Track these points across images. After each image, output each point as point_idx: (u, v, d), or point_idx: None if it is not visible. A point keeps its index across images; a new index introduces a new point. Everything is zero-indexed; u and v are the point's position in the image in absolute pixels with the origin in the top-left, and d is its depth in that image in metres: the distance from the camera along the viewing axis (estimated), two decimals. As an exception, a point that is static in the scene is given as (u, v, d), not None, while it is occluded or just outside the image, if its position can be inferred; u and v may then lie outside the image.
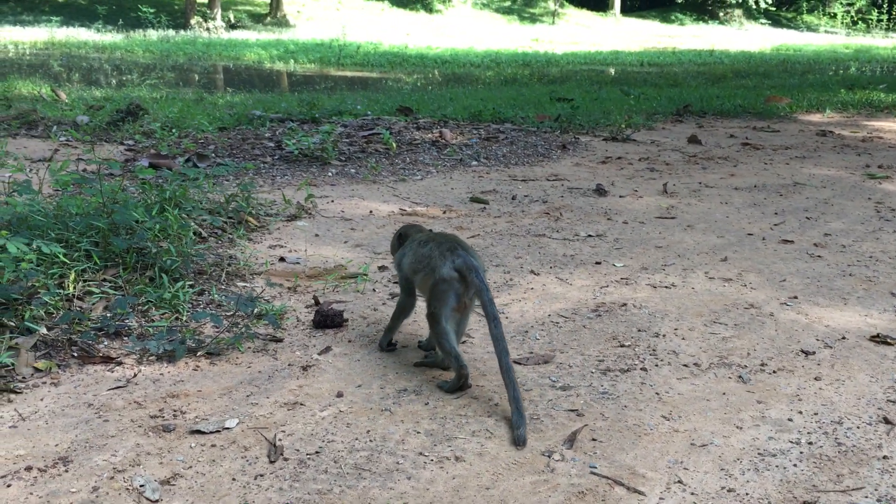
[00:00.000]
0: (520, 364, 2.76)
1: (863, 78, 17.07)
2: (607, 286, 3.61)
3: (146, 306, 3.10)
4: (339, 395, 2.51)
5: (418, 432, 2.30)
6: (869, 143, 8.12)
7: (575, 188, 5.66)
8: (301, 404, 2.45)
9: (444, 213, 4.87)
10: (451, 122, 8.24)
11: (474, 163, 6.48)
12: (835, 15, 44.79)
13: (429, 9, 37.47)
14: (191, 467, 2.10)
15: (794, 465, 2.16)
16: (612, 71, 21.85)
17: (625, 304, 3.36)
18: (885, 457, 2.20)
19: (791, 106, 10.65)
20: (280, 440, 2.24)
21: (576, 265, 3.92)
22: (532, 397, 2.52)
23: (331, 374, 2.67)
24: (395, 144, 6.65)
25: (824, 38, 38.54)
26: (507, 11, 39.72)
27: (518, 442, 2.23)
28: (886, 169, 6.62)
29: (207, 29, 27.41)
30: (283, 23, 30.53)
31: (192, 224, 3.93)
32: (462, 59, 21.46)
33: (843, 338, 3.05)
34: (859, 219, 4.94)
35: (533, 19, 39.29)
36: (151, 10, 23.32)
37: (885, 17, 41.80)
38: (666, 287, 3.62)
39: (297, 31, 28.99)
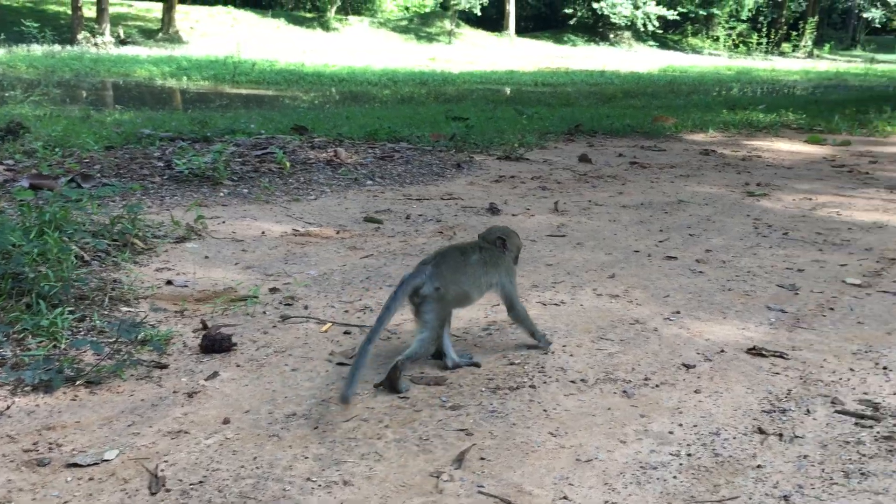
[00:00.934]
0: (413, 383, 2.77)
1: (744, 99, 17.85)
2: (499, 304, 3.65)
3: (22, 334, 2.97)
4: (226, 421, 2.46)
5: (307, 457, 2.28)
6: (748, 161, 8.49)
7: (469, 207, 5.72)
8: (185, 432, 2.39)
9: (338, 233, 4.85)
10: (347, 142, 8.21)
11: (369, 182, 6.48)
12: (717, 38, 46.76)
13: (326, 27, 37.36)
14: (66, 502, 2.02)
15: (674, 477, 2.23)
16: (508, 90, 22.23)
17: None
18: (758, 466, 2.30)
19: (677, 126, 11.04)
20: (162, 471, 2.17)
21: (468, 284, 3.95)
22: (422, 418, 2.53)
23: (218, 400, 2.61)
24: (288, 164, 6.58)
25: (708, 59, 40.17)
26: (404, 31, 39.95)
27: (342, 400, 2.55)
28: (764, 186, 6.93)
29: (95, 44, 26.57)
30: (175, 39, 29.88)
31: (74, 247, 3.78)
32: (359, 78, 21.45)
33: (722, 351, 3.17)
34: (738, 235, 5.16)
35: (430, 38, 39.63)
36: (35, 25, 22.47)
37: (763, 40, 43.87)
38: (556, 304, 3.69)
39: (190, 48, 28.41)
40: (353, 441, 2.38)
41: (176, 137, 7.60)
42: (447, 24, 41.41)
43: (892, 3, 51.01)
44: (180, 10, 32.42)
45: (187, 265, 4.04)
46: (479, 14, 43.61)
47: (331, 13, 38.50)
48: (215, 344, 2.97)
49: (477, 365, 2.94)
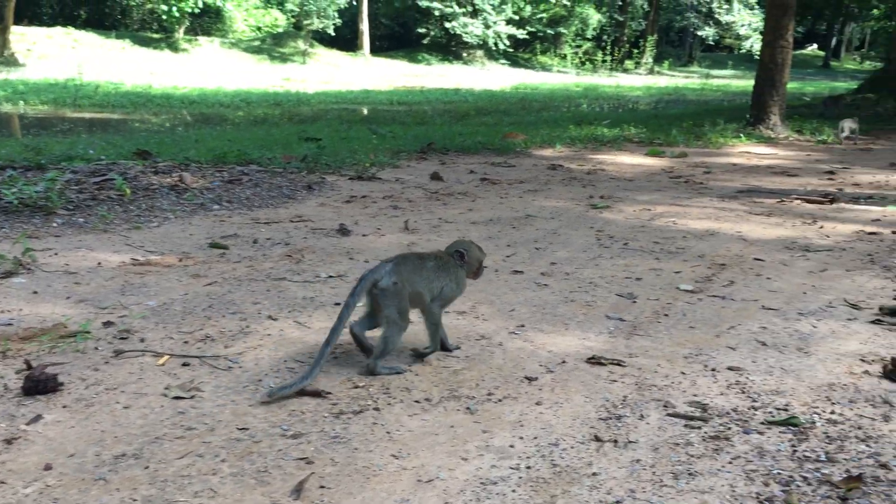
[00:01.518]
0: (253, 418, 2.69)
1: (591, 114, 18.53)
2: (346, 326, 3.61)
3: None
4: (48, 467, 2.31)
5: (135, 500, 2.17)
6: (593, 175, 8.80)
7: (319, 229, 5.66)
8: (1, 483, 2.23)
9: (181, 260, 4.69)
10: (194, 165, 7.98)
11: (216, 207, 6.31)
12: (565, 56, 48.44)
13: (174, 48, 36.30)
14: None
15: (513, 491, 2.25)
16: (364, 110, 22.23)
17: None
18: (594, 473, 2.35)
19: (526, 142, 11.33)
20: (-27, 527, 2.02)
21: (315, 307, 3.90)
22: (261, 449, 2.46)
23: (40, 445, 2.45)
24: (129, 191, 6.33)
25: (558, 77, 41.54)
26: (256, 51, 39.32)
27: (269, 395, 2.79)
28: (607, 199, 7.19)
29: (-80, 68, 24.86)
30: (11, 62, 28.31)
31: None
32: (210, 100, 20.96)
33: (564, 362, 3.25)
34: (582, 247, 5.32)
35: (284, 59, 39.17)
36: None
37: (608, 58, 45.75)
38: (403, 324, 3.68)
39: (27, 71, 26.99)
40: (187, 479, 2.28)
41: (6, 166, 7.17)
42: (301, 45, 41.07)
43: (723, 23, 54.35)
44: (16, 32, 30.75)
45: (13, 301, 3.80)
46: (333, 34, 43.56)
47: (179, 34, 37.48)
48: (39, 385, 2.79)
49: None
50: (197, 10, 36.58)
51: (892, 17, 23.29)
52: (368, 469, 2.36)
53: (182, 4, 35.43)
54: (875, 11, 33.06)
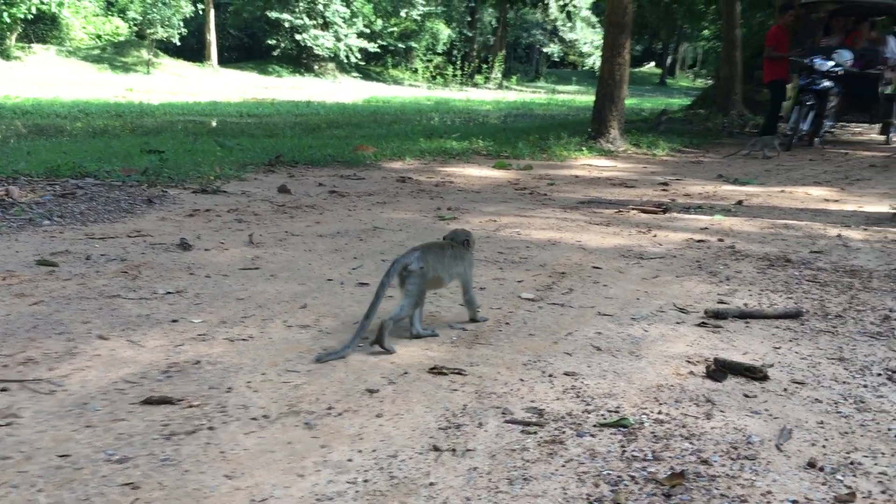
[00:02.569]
0: (75, 444, 2.55)
1: (441, 127, 18.71)
2: (182, 344, 3.49)
3: None
4: None
5: (-61, 539, 2.01)
6: (441, 187, 8.90)
7: (158, 244, 5.45)
8: None
9: (4, 279, 4.40)
10: (23, 179, 7.54)
11: (46, 222, 5.97)
12: (417, 70, 48.96)
13: (6, 55, 34.30)
14: None
15: (350, 505, 2.23)
16: (213, 122, 21.67)
17: (199, 362, 3.27)
18: (431, 483, 2.36)
19: (376, 154, 11.35)
20: None
21: (151, 325, 3.75)
22: (83, 477, 2.33)
23: None
24: (-52, 205, 5.90)
25: (409, 90, 41.91)
26: (97, 60, 37.71)
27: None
28: (454, 210, 7.29)
29: None
30: None
31: None
32: (46, 110, 19.89)
33: (406, 373, 3.25)
34: (428, 258, 5.35)
35: (126, 69, 37.73)
36: None
37: (458, 72, 46.59)
38: (243, 339, 3.59)
39: None
40: (0, 512, 2.14)
41: None
42: (145, 54, 39.69)
43: (567, 40, 56.42)
44: None
45: None
46: (179, 44, 42.31)
47: (11, 41, 35.42)
48: None
49: (435, 335, 3.74)
50: (30, 17, 34.70)
51: (720, 38, 24.80)
52: (199, 491, 2.28)
53: (14, 10, 33.50)
54: (705, 32, 35.28)
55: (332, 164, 10.33)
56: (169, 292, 4.28)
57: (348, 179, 9.12)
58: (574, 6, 46.10)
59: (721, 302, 4.45)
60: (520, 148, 12.65)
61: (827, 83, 14.83)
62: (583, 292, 4.59)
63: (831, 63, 14.62)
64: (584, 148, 13.13)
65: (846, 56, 15.13)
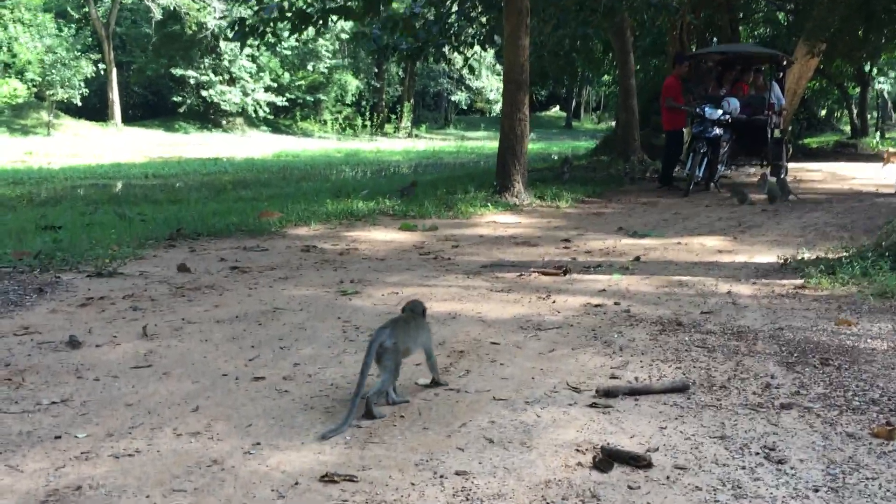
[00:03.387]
0: None
1: (351, 183, 18.66)
2: (64, 466, 3.39)
3: None
4: None
5: None
6: (346, 255, 8.90)
7: (46, 342, 5.29)
8: None
9: None
10: None
11: (-72, 322, 5.74)
12: (326, 121, 49.04)
13: None
14: None
15: None
16: (118, 184, 21.28)
17: (80, 487, 3.18)
18: None
19: (282, 220, 11.27)
20: None
21: (32, 444, 3.63)
22: None
23: None
24: None
25: (319, 142, 41.92)
26: (-7, 123, 36.64)
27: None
28: (357, 283, 7.29)
29: None
30: None
31: None
32: (-63, 181, 19.21)
33: (297, 483, 3.23)
34: (328, 341, 5.34)
35: (25, 131, 36.77)
36: None
37: (368, 123, 46.86)
38: (129, 455, 3.51)
39: None
40: None
41: None
42: (45, 116, 38.73)
43: (474, 88, 57.42)
44: None
45: None
46: (80, 104, 41.46)
47: None
48: None
49: (407, 402, 4.15)
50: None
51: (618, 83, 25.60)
52: None
53: None
54: (606, 77, 36.40)
55: (235, 234, 10.21)
56: (54, 402, 4.16)
57: (251, 251, 9.03)
58: (477, 59, 47.03)
59: (613, 377, 4.56)
60: (426, 206, 12.76)
61: (718, 131, 15.47)
62: (479, 374, 4.64)
63: (720, 112, 15.28)
64: (489, 204, 13.32)
65: (734, 104, 15.84)
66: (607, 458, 3.36)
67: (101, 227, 10.37)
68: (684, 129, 16.85)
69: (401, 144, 41.37)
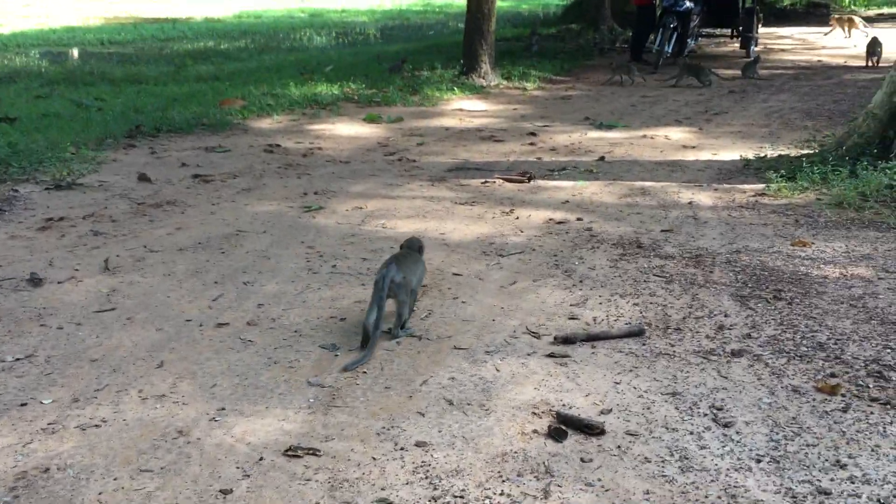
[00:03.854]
0: None
1: (313, 58, 18.11)
2: (31, 441, 3.45)
3: None
4: None
5: None
6: (310, 157, 8.80)
7: (6, 279, 5.27)
8: None
9: None
10: None
11: None
12: (289, -22, 46.97)
13: None
14: None
15: None
16: (74, 52, 20.56)
17: (48, 470, 3.24)
18: None
19: (244, 111, 11.04)
20: None
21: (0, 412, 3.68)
22: None
23: None
24: None
25: (282, 2, 40.30)
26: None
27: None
28: (321, 195, 7.25)
29: None
30: None
31: None
32: None
33: (262, 458, 3.32)
34: (291, 275, 5.36)
35: (-30, -9, 34.88)
36: None
37: (332, -22, 44.90)
38: (96, 426, 3.57)
39: None
40: None
41: None
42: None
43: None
44: None
45: None
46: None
47: None
48: None
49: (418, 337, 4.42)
50: None
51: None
52: None
53: None
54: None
55: (197, 131, 10.01)
56: (19, 358, 4.18)
57: (214, 153, 8.89)
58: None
59: (572, 317, 4.66)
60: (391, 91, 12.51)
61: (689, 3, 15.14)
62: (441, 315, 4.70)
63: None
64: (455, 87, 13.08)
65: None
66: (561, 427, 3.48)
67: (57, 120, 10.10)
68: (655, 2, 16.45)
69: (366, 3, 39.94)
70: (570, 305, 4.84)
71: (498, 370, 4.05)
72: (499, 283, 5.21)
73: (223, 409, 3.71)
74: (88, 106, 11.43)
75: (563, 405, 3.69)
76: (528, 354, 4.21)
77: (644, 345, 4.30)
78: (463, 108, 11.85)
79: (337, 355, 4.22)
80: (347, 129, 10.27)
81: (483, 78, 13.64)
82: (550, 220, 6.52)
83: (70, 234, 6.17)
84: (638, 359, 4.15)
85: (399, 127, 10.44)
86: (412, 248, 4.71)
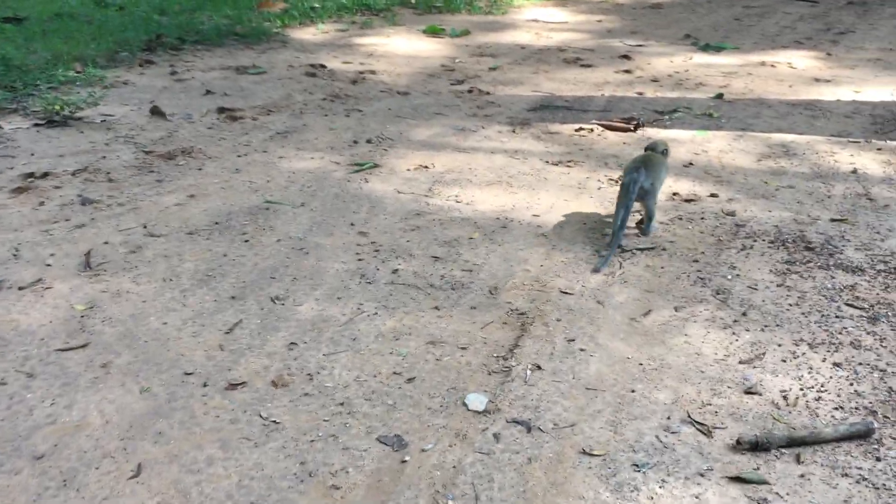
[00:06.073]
0: None
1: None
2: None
3: None
4: None
5: None
6: (361, 84, 7.19)
7: (-44, 277, 3.86)
8: None
9: None
10: None
11: None
12: None
13: None
14: None
15: None
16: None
17: None
18: None
19: (285, 16, 9.38)
20: None
21: None
22: None
23: None
24: None
25: None
26: None
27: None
28: (376, 145, 5.69)
29: None
30: None
31: None
32: None
33: None
34: (337, 285, 3.86)
35: None
36: None
37: None
38: None
39: None
40: None
41: None
42: None
43: None
44: None
45: None
46: None
47: None
48: None
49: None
50: None
51: None
52: None
53: None
54: None
55: (227, 43, 8.41)
56: (-66, 443, 2.80)
57: (245, 76, 7.32)
58: None
59: (749, 390, 3.14)
60: (455, -4, 10.70)
61: None
62: (553, 374, 3.21)
63: None
64: (530, -13, 11.20)
65: None
66: None
67: (70, 23, 8.58)
68: None
69: None
70: (740, 363, 3.31)
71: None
72: (626, 311, 3.68)
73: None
74: (109, 4, 9.87)
75: None
76: (701, 475, 2.71)
77: (879, 458, 2.78)
78: (538, 19, 10.04)
79: (405, 461, 2.75)
80: (405, 45, 8.58)
81: (561, -22, 11.70)
82: (676, 195, 4.93)
83: (52, 200, 4.72)
84: (878, 492, 2.64)
85: (465, 43, 8.72)
86: (656, 151, 4.48)
